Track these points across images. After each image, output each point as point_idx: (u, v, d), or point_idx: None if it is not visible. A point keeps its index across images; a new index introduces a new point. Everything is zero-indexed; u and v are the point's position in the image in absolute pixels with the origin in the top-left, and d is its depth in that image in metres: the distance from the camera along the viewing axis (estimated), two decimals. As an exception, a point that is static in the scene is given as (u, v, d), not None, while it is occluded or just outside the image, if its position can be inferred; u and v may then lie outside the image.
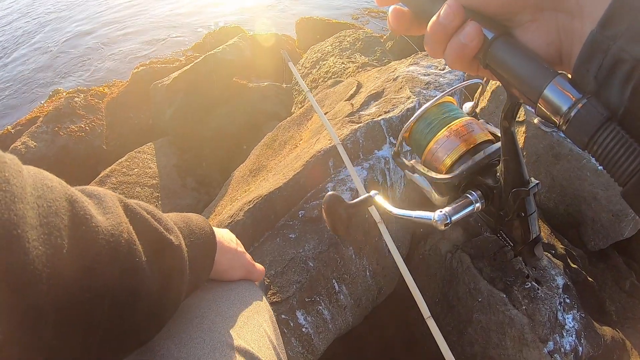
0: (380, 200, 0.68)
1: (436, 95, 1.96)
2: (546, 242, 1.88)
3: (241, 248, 0.92)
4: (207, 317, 0.75)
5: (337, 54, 3.19)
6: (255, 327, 0.79)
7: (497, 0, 0.45)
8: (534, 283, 1.66)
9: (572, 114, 0.40)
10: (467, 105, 0.66)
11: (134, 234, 0.58)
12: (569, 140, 1.94)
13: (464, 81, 2.02)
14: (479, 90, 0.84)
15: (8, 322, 0.41)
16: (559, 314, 1.62)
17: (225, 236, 0.89)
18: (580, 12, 0.42)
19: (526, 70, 0.43)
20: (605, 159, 0.38)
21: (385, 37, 3.60)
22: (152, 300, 0.60)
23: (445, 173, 0.65)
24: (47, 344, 0.46)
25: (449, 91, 0.68)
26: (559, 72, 0.42)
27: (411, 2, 0.51)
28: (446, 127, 0.66)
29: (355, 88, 2.11)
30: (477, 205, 0.60)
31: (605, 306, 1.91)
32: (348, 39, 3.37)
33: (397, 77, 2.03)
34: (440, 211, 0.58)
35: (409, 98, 1.88)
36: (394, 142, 1.73)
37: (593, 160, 1.89)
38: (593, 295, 1.85)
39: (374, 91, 1.98)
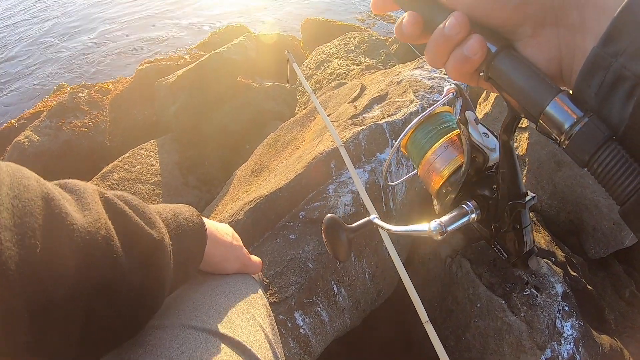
0: (380, 222, 0.66)
1: (439, 99, 1.96)
2: (546, 249, 1.87)
3: (237, 242, 0.91)
4: (201, 309, 0.75)
5: (342, 56, 3.20)
6: (249, 320, 0.79)
7: (501, 13, 0.45)
8: (533, 290, 1.65)
9: (574, 131, 0.40)
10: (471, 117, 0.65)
11: (113, 229, 0.57)
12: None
13: (467, 87, 2.03)
14: (482, 96, 0.84)
15: None
16: (558, 322, 1.62)
17: (220, 229, 0.88)
18: (582, 28, 0.42)
19: (529, 86, 0.43)
20: (605, 178, 0.39)
21: (390, 40, 3.60)
22: (133, 296, 0.60)
23: (442, 184, 0.65)
24: (24, 345, 0.46)
25: (435, 107, 0.67)
26: (562, 88, 0.42)
27: (419, 9, 0.51)
28: (445, 137, 0.65)
29: (359, 90, 2.11)
30: (473, 216, 0.60)
31: (604, 315, 1.90)
32: (353, 41, 3.37)
33: (401, 80, 2.03)
34: (436, 221, 0.57)
35: (412, 102, 1.88)
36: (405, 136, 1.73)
37: (595, 168, 1.88)
38: (592, 303, 1.84)
39: (378, 94, 1.98)
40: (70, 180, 0.61)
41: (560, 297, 1.66)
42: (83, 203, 0.56)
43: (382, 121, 1.78)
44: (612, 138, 0.38)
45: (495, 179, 0.58)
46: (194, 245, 0.76)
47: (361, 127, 1.76)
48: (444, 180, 0.64)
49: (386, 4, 0.56)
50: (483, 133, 0.60)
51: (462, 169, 0.61)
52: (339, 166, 1.67)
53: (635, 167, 0.37)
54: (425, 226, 0.58)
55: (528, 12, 0.44)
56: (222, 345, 0.70)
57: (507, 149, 0.53)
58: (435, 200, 0.68)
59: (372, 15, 5.69)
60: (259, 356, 0.74)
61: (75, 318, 0.52)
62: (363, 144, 1.71)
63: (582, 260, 1.99)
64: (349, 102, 2.05)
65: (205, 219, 0.82)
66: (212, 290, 0.81)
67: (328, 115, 1.95)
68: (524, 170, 2.11)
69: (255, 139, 2.56)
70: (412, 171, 0.75)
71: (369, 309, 1.75)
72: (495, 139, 0.60)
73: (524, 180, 2.12)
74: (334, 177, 1.67)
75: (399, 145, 0.72)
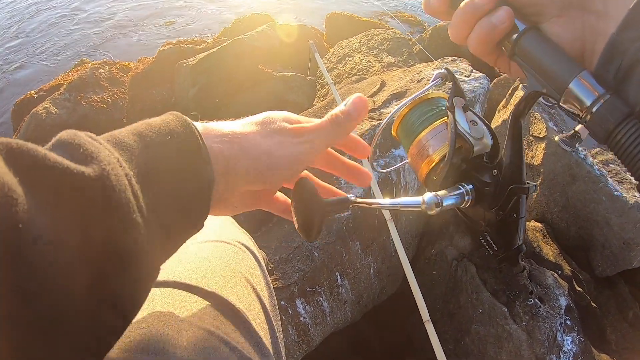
0: (360, 199, 0.56)
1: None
2: (554, 261, 1.86)
3: (290, 117, 0.59)
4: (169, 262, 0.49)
5: (364, 52, 3.18)
6: (239, 280, 0.65)
7: None
8: (536, 300, 1.65)
9: (595, 108, 0.42)
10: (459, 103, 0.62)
11: (10, 183, 0.32)
12: (587, 161, 1.92)
13: (487, 90, 2.01)
14: (502, 103, 0.82)
15: None
16: (559, 335, 1.61)
17: (242, 123, 0.56)
18: (605, 14, 0.44)
19: (554, 64, 0.46)
20: (624, 153, 0.40)
21: (413, 40, 3.59)
22: (63, 278, 0.34)
23: (435, 165, 0.61)
24: None
25: (424, 90, 0.63)
26: (585, 68, 0.44)
27: None
28: (440, 120, 0.61)
29: (378, 86, 2.11)
30: (467, 198, 0.57)
31: (606, 334, 1.89)
32: (376, 38, 3.36)
33: (421, 79, 2.02)
34: (430, 193, 0.53)
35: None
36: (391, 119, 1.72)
37: (610, 184, 1.87)
38: (595, 321, 1.83)
39: (397, 90, 1.97)
40: None
41: (563, 310, 1.65)
42: None
43: (399, 118, 1.78)
44: (631, 115, 0.40)
45: (495, 166, 0.57)
46: (179, 170, 0.45)
47: (378, 122, 1.75)
48: (433, 164, 0.60)
49: None
50: (471, 121, 0.57)
51: (445, 158, 0.58)
52: (352, 158, 1.67)
53: None
54: (418, 199, 0.53)
55: None
56: (187, 295, 0.54)
57: (516, 127, 0.54)
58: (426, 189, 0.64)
59: (394, 15, 5.67)
60: (248, 318, 0.59)
61: None
62: (378, 138, 1.71)
63: (589, 277, 1.98)
64: (368, 97, 2.05)
65: (208, 124, 0.54)
66: (197, 249, 0.63)
67: (346, 109, 1.95)
68: (537, 180, 2.10)
69: (271, 128, 2.55)
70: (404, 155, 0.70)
71: (371, 305, 1.75)
72: (485, 127, 0.59)
73: (536, 192, 2.11)
74: (347, 169, 1.67)
75: (391, 120, 0.68)
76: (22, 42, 5.79)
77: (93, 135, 0.42)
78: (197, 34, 5.52)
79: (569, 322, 1.65)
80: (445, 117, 0.60)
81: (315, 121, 0.58)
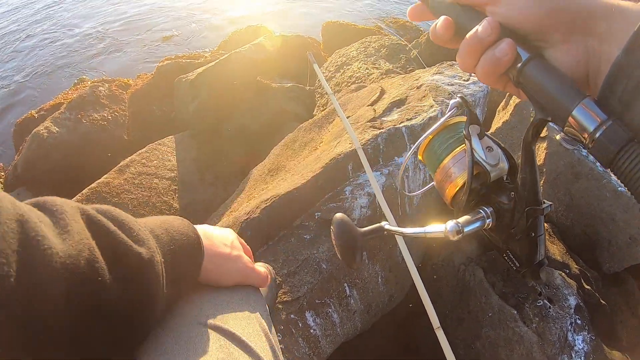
0: (392, 227, 0.66)
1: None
2: (561, 261, 1.86)
3: (237, 251, 0.85)
4: (195, 302, 0.74)
5: (362, 59, 3.20)
6: (246, 317, 0.77)
7: (533, 20, 0.48)
8: (546, 301, 1.64)
9: (598, 134, 0.43)
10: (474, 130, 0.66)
11: (97, 250, 0.53)
12: (590, 159, 1.93)
13: (487, 94, 2.02)
14: (501, 104, 0.84)
15: None
16: (569, 335, 1.61)
17: (217, 238, 0.83)
18: (609, 37, 0.45)
19: (557, 91, 0.46)
20: (627, 177, 0.41)
21: (409, 45, 3.60)
22: (122, 317, 0.57)
23: (459, 189, 0.65)
24: None
25: (443, 120, 0.66)
26: (587, 94, 0.45)
27: (454, 16, 0.55)
28: (461, 146, 0.65)
29: (378, 94, 2.12)
30: (488, 221, 0.60)
31: (617, 330, 1.88)
32: (373, 45, 3.37)
33: (421, 85, 2.03)
34: (452, 221, 0.58)
35: (431, 106, 1.88)
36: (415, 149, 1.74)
37: (613, 180, 1.87)
38: (605, 318, 1.83)
39: (397, 98, 1.98)
40: (48, 199, 0.55)
41: (573, 310, 1.65)
42: (62, 225, 0.52)
43: (401, 125, 1.78)
44: (633, 140, 0.41)
45: (512, 188, 0.59)
46: (189, 261, 0.73)
47: (380, 130, 1.76)
48: (457, 188, 0.64)
49: (423, 12, 0.61)
50: (487, 147, 0.60)
51: (465, 185, 0.61)
52: (356, 168, 1.68)
53: None
54: (441, 227, 0.58)
55: (559, 19, 0.47)
56: (218, 336, 0.68)
57: (529, 152, 0.54)
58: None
59: (390, 22, 5.69)
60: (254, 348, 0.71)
61: (56, 345, 0.49)
62: (381, 147, 1.72)
63: (596, 274, 1.98)
64: (368, 105, 2.06)
65: (200, 227, 0.80)
66: (210, 293, 0.79)
67: (347, 118, 1.96)
68: (541, 180, 2.10)
69: (273, 139, 2.57)
70: (429, 176, 0.75)
71: (380, 313, 1.75)
72: (500, 152, 0.61)
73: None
74: (351, 179, 1.67)
75: (416, 150, 0.72)
76: (19, 63, 5.82)
77: (135, 219, 0.63)
78: (195, 48, 5.55)
79: (579, 322, 1.65)
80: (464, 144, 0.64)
81: (258, 269, 0.88)
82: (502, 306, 1.66)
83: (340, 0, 6.83)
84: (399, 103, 1.95)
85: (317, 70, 1.73)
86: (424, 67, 2.86)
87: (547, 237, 2.00)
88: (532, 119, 0.52)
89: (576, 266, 1.88)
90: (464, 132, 0.61)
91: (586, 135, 0.44)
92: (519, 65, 0.49)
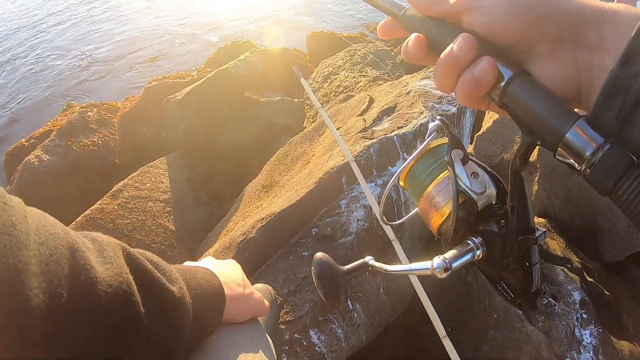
0: (376, 264, 0.63)
1: (449, 110, 1.96)
2: (562, 255, 1.85)
3: (248, 289, 0.91)
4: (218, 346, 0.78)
5: (349, 68, 3.20)
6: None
7: (514, 30, 0.44)
8: (550, 299, 1.64)
9: (596, 159, 0.38)
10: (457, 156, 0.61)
11: (134, 284, 0.57)
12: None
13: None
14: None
15: None
16: (576, 330, 1.60)
17: (232, 279, 0.88)
18: (600, 47, 0.41)
19: (546, 113, 0.42)
20: (630, 206, 0.37)
21: (395, 50, 3.61)
22: (151, 350, 0.60)
23: (446, 218, 0.60)
24: None
25: (424, 146, 0.62)
26: (581, 115, 0.41)
27: (426, 32, 0.50)
28: (445, 172, 0.60)
29: (367, 103, 2.11)
30: (478, 252, 0.56)
31: (622, 319, 1.88)
32: (359, 53, 3.38)
33: (409, 91, 2.03)
34: (439, 257, 0.53)
35: (421, 113, 1.87)
36: (407, 158, 1.73)
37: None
38: (610, 308, 1.82)
39: (387, 106, 1.97)
40: (92, 233, 0.60)
41: (578, 305, 1.64)
42: (105, 256, 0.55)
43: (392, 134, 1.78)
44: (635, 164, 0.37)
45: (502, 214, 0.55)
46: (213, 305, 0.77)
47: (371, 141, 1.75)
48: (444, 217, 0.60)
49: (394, 29, 0.56)
50: (472, 173, 0.56)
51: (451, 216, 0.57)
52: (350, 181, 1.67)
53: None
54: (427, 264, 0.54)
55: (543, 28, 0.43)
56: None
57: (518, 180, 0.50)
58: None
59: (374, 29, 5.71)
60: None
61: None
62: (374, 157, 1.71)
63: (598, 265, 1.97)
64: (357, 115, 2.05)
65: (209, 265, 0.86)
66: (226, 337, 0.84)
67: (337, 129, 1.95)
68: (535, 177, 2.10)
69: (265, 154, 2.56)
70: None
71: (384, 324, 1.73)
72: (487, 177, 0.57)
73: (536, 188, 2.11)
74: (346, 192, 1.67)
75: (397, 180, 0.67)
76: (7, 92, 5.81)
77: (166, 263, 0.68)
78: (182, 67, 5.55)
79: (585, 316, 1.64)
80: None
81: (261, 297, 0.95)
82: (506, 307, 1.65)
83: (323, 11, 6.85)
84: (388, 111, 1.95)
85: (304, 85, 1.72)
86: (414, 70, 2.86)
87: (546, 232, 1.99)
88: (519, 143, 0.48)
89: (577, 259, 1.87)
90: (446, 158, 0.56)
91: (581, 162, 0.40)
92: (502, 84, 0.44)
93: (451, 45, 0.46)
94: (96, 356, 0.52)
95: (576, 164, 0.41)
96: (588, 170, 0.39)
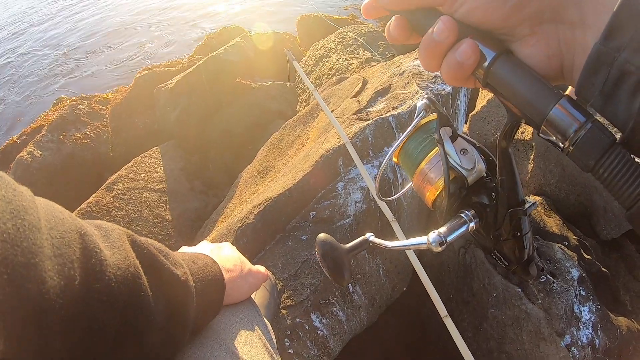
0: (376, 240, 0.65)
1: (444, 89, 1.94)
2: (559, 233, 1.86)
3: (245, 265, 0.94)
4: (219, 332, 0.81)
5: (340, 50, 3.18)
6: (251, 341, 0.84)
7: (495, 15, 0.44)
8: (549, 276, 1.64)
9: (578, 137, 0.39)
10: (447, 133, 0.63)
11: (140, 268, 0.59)
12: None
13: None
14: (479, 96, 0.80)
15: (17, 351, 0.41)
16: (575, 307, 1.61)
17: (228, 261, 0.91)
18: (581, 24, 0.41)
19: (530, 92, 0.42)
20: (611, 183, 0.38)
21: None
22: (158, 332, 0.62)
23: (440, 192, 0.63)
24: None
25: (414, 124, 0.63)
26: (564, 94, 0.41)
27: (407, 14, 0.50)
28: (436, 149, 0.62)
29: (361, 85, 2.10)
30: (472, 224, 0.58)
31: (620, 296, 1.89)
32: (350, 35, 3.35)
33: (403, 72, 2.01)
34: (434, 232, 0.55)
35: (416, 93, 1.86)
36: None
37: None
38: (607, 285, 1.83)
39: (381, 87, 1.96)
40: (95, 220, 0.61)
41: (576, 282, 1.65)
42: (111, 241, 0.57)
43: (387, 115, 1.77)
44: (616, 142, 0.38)
45: (493, 187, 0.57)
46: (214, 290, 0.80)
47: (367, 122, 1.74)
48: (438, 191, 0.62)
49: (377, 9, 0.55)
50: (461, 150, 0.58)
51: (443, 192, 0.60)
52: (347, 163, 1.66)
53: None
54: (423, 239, 0.56)
55: (525, 12, 0.43)
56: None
57: (505, 156, 0.51)
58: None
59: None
60: None
61: (104, 352, 0.53)
62: (370, 138, 1.70)
63: (595, 243, 1.98)
64: (351, 97, 2.04)
65: (206, 250, 0.89)
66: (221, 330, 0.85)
67: (332, 112, 1.94)
68: (531, 155, 2.10)
69: (259, 140, 2.55)
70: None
71: (385, 305, 1.74)
72: (476, 152, 0.58)
73: (531, 166, 2.11)
74: (343, 175, 1.66)
75: (391, 158, 0.69)
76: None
77: (169, 250, 0.70)
78: (172, 55, 5.50)
79: (583, 293, 1.65)
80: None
81: (260, 269, 0.99)
82: (506, 285, 1.65)
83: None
84: (383, 92, 1.93)
85: (297, 67, 1.70)
86: (406, 51, 2.85)
87: (542, 211, 2.00)
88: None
89: (574, 237, 1.88)
90: (435, 136, 0.58)
91: (564, 140, 0.41)
92: (485, 64, 0.44)
93: (431, 29, 0.46)
94: (106, 342, 0.53)
95: (559, 142, 0.41)
96: (571, 148, 0.40)
